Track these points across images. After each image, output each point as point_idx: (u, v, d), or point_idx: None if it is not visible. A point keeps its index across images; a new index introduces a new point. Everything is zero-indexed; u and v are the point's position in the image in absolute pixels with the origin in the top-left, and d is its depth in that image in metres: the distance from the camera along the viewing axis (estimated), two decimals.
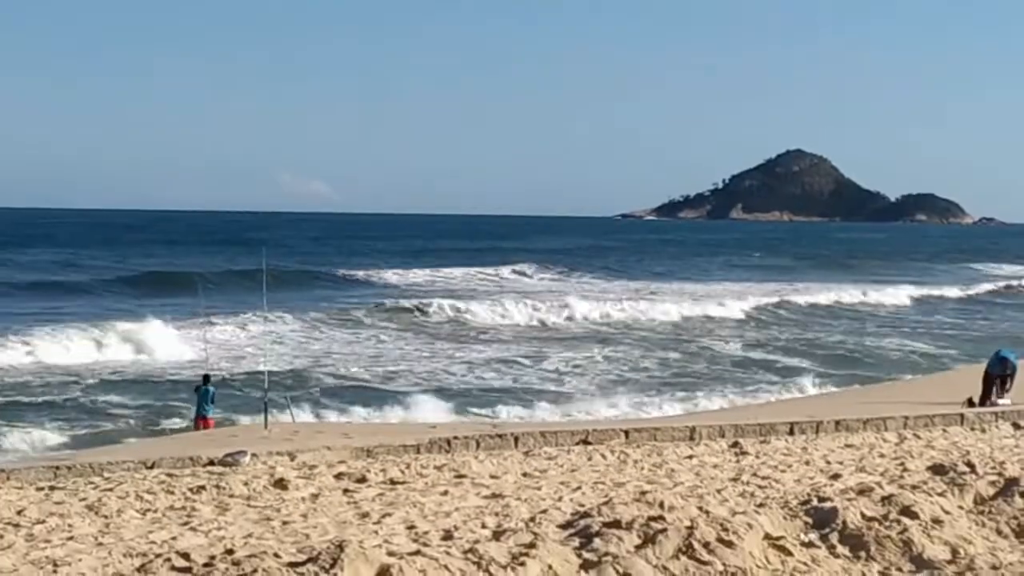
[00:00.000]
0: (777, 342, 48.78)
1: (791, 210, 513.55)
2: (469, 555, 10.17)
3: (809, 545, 11.37)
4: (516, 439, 20.78)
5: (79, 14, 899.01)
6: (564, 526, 11.83)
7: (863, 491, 12.95)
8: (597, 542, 10.87)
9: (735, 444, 20.32)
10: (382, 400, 32.38)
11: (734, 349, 46.23)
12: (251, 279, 72.37)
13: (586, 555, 10.59)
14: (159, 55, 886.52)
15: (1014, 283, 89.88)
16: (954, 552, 11.27)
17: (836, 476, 16.48)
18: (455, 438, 20.51)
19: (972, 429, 23.06)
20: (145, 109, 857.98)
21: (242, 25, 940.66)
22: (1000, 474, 13.57)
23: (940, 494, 12.69)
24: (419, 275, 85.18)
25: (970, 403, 27.81)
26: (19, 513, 14.06)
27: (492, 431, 21.76)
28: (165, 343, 41.06)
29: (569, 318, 56.30)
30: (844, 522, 11.66)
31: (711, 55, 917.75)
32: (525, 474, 17.08)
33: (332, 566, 9.44)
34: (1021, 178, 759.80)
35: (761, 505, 12.44)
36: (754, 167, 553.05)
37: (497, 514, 13.60)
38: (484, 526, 12.84)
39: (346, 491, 15.48)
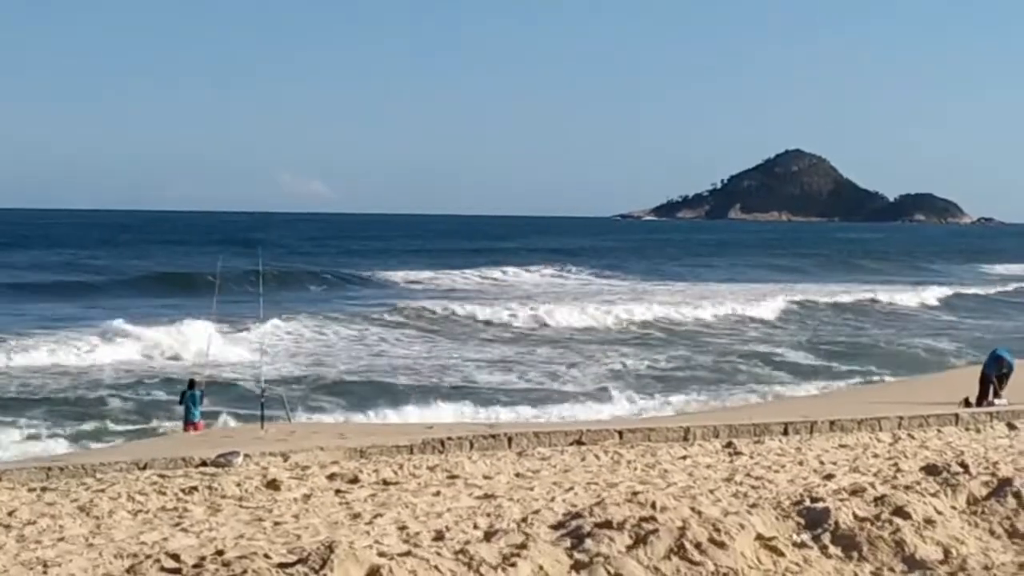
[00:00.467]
0: (827, 344, 48.63)
1: (790, 210, 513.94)
2: (460, 556, 10.13)
3: (801, 545, 11.32)
4: (510, 439, 20.74)
5: (74, 14, 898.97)
6: (556, 527, 11.78)
7: (856, 491, 12.91)
8: (588, 543, 10.83)
9: (729, 444, 20.29)
10: (395, 401, 32.42)
11: (783, 351, 46.03)
12: (273, 279, 73.05)
13: (577, 556, 10.55)
14: (156, 54, 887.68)
15: None
16: (946, 552, 11.23)
17: (830, 476, 16.46)
18: (449, 439, 20.47)
19: (967, 429, 23.04)
20: (139, 109, 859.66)
21: (239, 24, 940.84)
22: (993, 474, 13.52)
23: (933, 494, 12.65)
24: (438, 276, 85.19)
25: (967, 403, 27.80)
26: (10, 514, 14.02)
27: (486, 431, 21.75)
28: (201, 343, 40.53)
29: (605, 317, 56.00)
30: (836, 522, 11.61)
31: (709, 55, 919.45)
32: (518, 474, 17.05)
33: (322, 567, 9.39)
34: (1019, 178, 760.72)
35: (754, 505, 12.40)
36: (753, 167, 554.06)
37: (489, 515, 13.58)
38: (476, 527, 12.81)
39: (338, 492, 15.45)
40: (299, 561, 9.60)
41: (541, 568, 10.15)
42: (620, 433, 21.49)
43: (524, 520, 12.77)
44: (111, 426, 28.39)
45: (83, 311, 53.95)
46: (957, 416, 24.33)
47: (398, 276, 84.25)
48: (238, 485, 15.69)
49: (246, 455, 18.50)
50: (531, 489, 15.60)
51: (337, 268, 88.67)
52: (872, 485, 13.79)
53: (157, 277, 75.84)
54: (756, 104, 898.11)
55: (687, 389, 36.01)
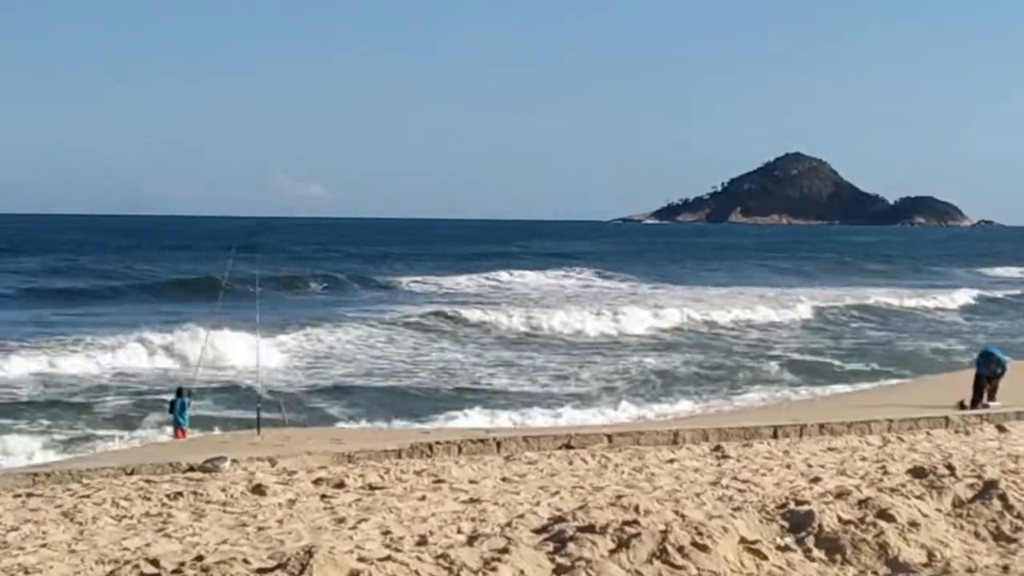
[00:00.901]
0: (855, 346, 48.93)
1: (790, 213, 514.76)
2: (440, 560, 10.09)
3: (785, 549, 11.29)
4: (499, 444, 20.69)
5: (66, 13, 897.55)
6: (539, 531, 11.73)
7: (841, 494, 12.87)
8: (571, 547, 10.79)
9: (717, 448, 20.26)
10: (416, 407, 32.90)
11: (829, 356, 46.38)
12: (277, 284, 73.34)
13: (559, 560, 10.51)
14: (151, 56, 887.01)
15: None
16: (930, 555, 11.20)
17: (816, 479, 16.43)
18: (437, 443, 20.42)
19: (956, 432, 23.01)
20: (132, 112, 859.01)
21: (242, 25, 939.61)
22: (979, 477, 13.48)
23: (918, 497, 12.62)
24: (445, 280, 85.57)
25: (961, 406, 27.71)
26: None
27: (475, 435, 21.70)
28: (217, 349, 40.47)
29: (634, 324, 56.26)
30: (820, 525, 11.57)
31: (709, 58, 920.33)
32: (504, 479, 17.01)
33: (301, 572, 9.35)
34: (1019, 180, 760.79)
35: (737, 509, 12.35)
36: (753, 170, 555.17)
37: (474, 519, 13.53)
38: (460, 531, 12.77)
39: (323, 497, 15.40)
40: (279, 566, 9.56)
41: (522, 572, 10.11)
42: (609, 437, 21.46)
43: (508, 524, 12.75)
44: (124, 433, 28.43)
45: (102, 317, 54.23)
46: (947, 419, 24.28)
47: (406, 280, 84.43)
48: (223, 490, 15.63)
49: (233, 460, 18.45)
50: (517, 493, 15.55)
51: (344, 273, 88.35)
52: (858, 488, 13.75)
53: (171, 283, 75.88)
54: (756, 107, 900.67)
55: (707, 393, 36.42)
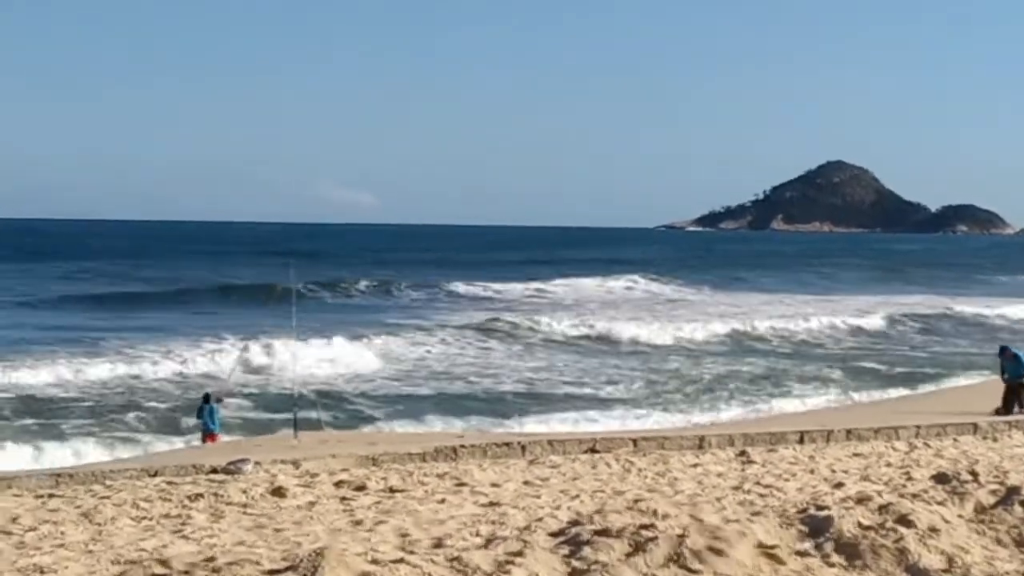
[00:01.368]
0: (939, 356, 48.86)
1: (832, 221, 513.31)
2: (454, 563, 10.04)
3: (803, 554, 11.17)
4: (523, 447, 20.66)
5: (70, 13, 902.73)
6: (555, 534, 11.66)
7: (862, 500, 12.75)
8: (586, 550, 10.71)
9: (742, 453, 20.16)
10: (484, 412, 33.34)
11: (890, 362, 46.46)
12: (332, 291, 73.67)
13: (575, 563, 10.44)
14: (155, 58, 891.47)
15: None
16: (950, 561, 11.07)
17: (839, 485, 16.30)
18: (462, 447, 20.41)
19: (984, 438, 22.81)
20: (175, 117, 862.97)
21: (279, 35, 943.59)
22: (1002, 483, 13.32)
23: (940, 503, 12.48)
24: (509, 287, 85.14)
25: (997, 412, 27.42)
26: (13, 520, 14.00)
27: (500, 439, 21.67)
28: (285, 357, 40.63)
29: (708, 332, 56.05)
30: (840, 530, 11.45)
31: (752, 66, 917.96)
32: (526, 482, 16.95)
33: (312, 573, 9.32)
34: None
35: (757, 513, 12.24)
36: (795, 178, 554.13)
37: (493, 522, 13.46)
38: (478, 534, 12.69)
39: (343, 499, 15.37)
40: (289, 568, 9.52)
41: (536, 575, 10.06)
42: (634, 441, 21.39)
43: (527, 528, 12.68)
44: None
45: (154, 321, 54.52)
46: (976, 425, 24.08)
47: (471, 287, 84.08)
48: (244, 492, 15.64)
49: (256, 463, 18.47)
50: (538, 497, 15.49)
51: (403, 280, 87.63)
52: (879, 493, 13.63)
53: (235, 288, 76.25)
54: (798, 115, 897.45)
55: (776, 397, 36.71)
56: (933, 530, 11.52)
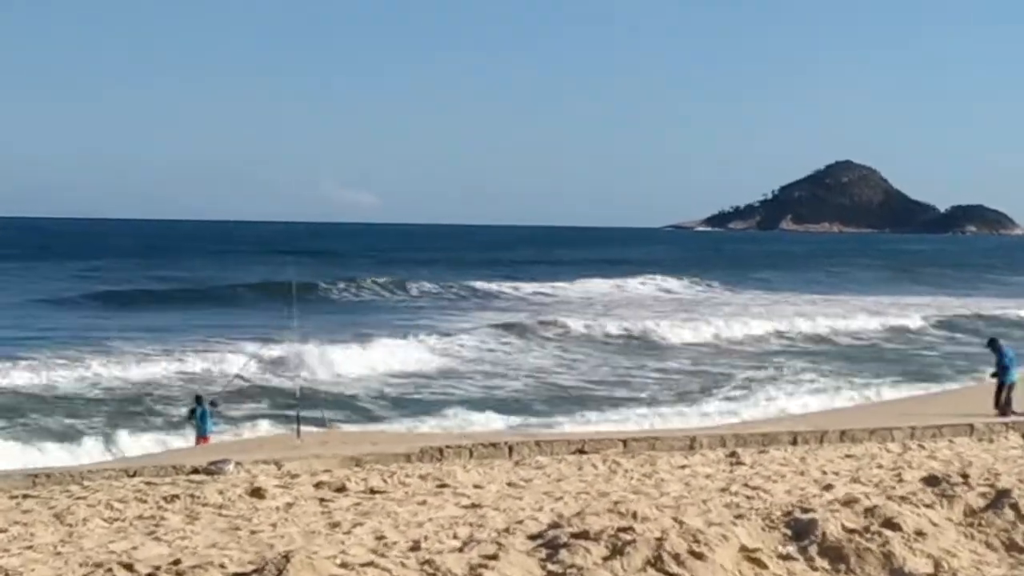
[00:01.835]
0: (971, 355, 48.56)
1: (841, 221, 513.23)
2: (425, 567, 9.78)
3: (787, 558, 10.91)
4: (510, 448, 20.36)
5: (70, 13, 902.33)
6: (534, 537, 11.38)
7: (848, 502, 12.46)
8: (563, 553, 10.44)
9: (732, 454, 19.85)
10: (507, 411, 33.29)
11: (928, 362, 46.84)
12: (354, 288, 73.45)
13: (551, 567, 10.18)
14: (155, 58, 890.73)
15: None
16: (937, 565, 10.80)
17: (828, 487, 15.99)
18: (447, 447, 20.10)
19: (980, 440, 22.51)
20: (182, 116, 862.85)
21: (286, 36, 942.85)
22: (992, 485, 13.03)
23: (928, 505, 12.20)
24: (541, 288, 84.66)
25: (1002, 413, 27.22)
26: None
27: (486, 440, 21.36)
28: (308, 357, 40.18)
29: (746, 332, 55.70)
30: (824, 534, 11.18)
31: (760, 66, 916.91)
32: (510, 483, 16.65)
33: None
34: None
35: (740, 516, 11.95)
36: (803, 178, 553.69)
37: (471, 524, 13.16)
38: (455, 536, 12.39)
39: (322, 500, 15.07)
40: (255, 571, 9.27)
41: None
42: (624, 442, 21.09)
43: (505, 530, 12.40)
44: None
45: (175, 321, 54.01)
46: (971, 426, 23.77)
47: (499, 287, 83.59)
48: (221, 493, 15.33)
49: (237, 463, 18.17)
50: (520, 499, 15.19)
51: (422, 280, 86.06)
52: (867, 496, 13.36)
53: (247, 287, 74.69)
54: (807, 115, 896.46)
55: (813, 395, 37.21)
56: (920, 533, 11.27)
